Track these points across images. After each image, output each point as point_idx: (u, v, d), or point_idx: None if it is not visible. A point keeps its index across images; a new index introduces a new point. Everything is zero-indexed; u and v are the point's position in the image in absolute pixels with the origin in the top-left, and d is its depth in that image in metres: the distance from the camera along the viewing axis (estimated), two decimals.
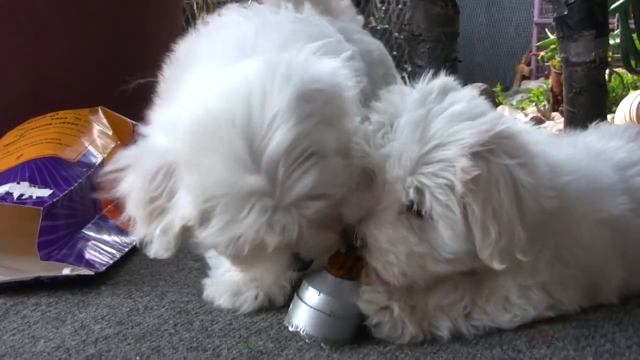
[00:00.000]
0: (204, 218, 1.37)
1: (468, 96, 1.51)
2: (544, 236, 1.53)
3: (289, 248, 1.43)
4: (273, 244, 1.35)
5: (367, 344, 1.51)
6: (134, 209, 1.49)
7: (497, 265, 1.43)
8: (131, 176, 1.48)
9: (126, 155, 1.50)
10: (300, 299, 1.53)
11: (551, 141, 1.76)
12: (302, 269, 1.51)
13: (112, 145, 2.28)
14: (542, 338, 1.53)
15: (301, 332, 1.52)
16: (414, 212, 1.45)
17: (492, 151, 1.42)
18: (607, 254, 1.62)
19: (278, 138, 1.31)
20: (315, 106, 1.38)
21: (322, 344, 1.50)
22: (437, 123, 1.44)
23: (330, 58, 1.50)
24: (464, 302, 1.52)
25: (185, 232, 1.44)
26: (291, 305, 1.56)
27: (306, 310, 1.52)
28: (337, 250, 1.51)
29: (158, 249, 1.49)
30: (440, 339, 1.51)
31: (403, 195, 1.43)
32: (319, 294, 1.50)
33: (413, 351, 1.48)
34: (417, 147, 1.42)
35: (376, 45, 2.31)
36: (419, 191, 1.42)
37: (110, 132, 2.31)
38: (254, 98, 1.34)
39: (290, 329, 1.53)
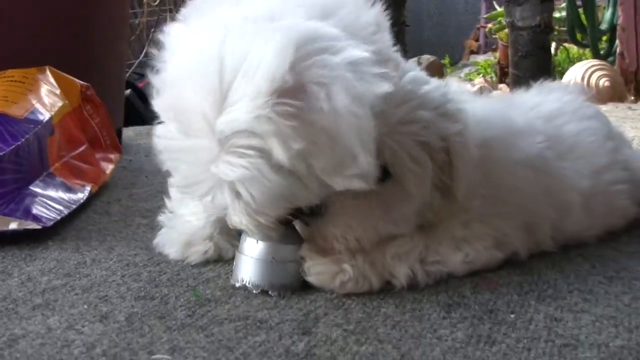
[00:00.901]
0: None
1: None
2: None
3: None
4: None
5: (314, 290, 1.53)
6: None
7: (476, 203, 1.59)
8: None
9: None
10: (241, 252, 1.55)
11: (481, 100, 1.82)
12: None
13: (60, 104, 2.27)
14: (487, 284, 1.57)
15: (247, 284, 1.53)
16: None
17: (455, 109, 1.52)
18: (534, 193, 1.67)
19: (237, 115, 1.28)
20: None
21: (269, 291, 1.51)
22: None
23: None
24: (419, 248, 1.55)
25: None
26: (234, 263, 1.58)
27: (248, 261, 1.53)
28: None
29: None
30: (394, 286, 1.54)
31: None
32: (257, 242, 1.52)
33: (360, 297, 1.51)
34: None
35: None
36: (394, 151, 1.45)
37: (58, 91, 2.30)
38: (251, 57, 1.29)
39: (237, 284, 1.55)
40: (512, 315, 1.43)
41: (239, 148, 1.28)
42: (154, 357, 1.26)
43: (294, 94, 1.26)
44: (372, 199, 1.48)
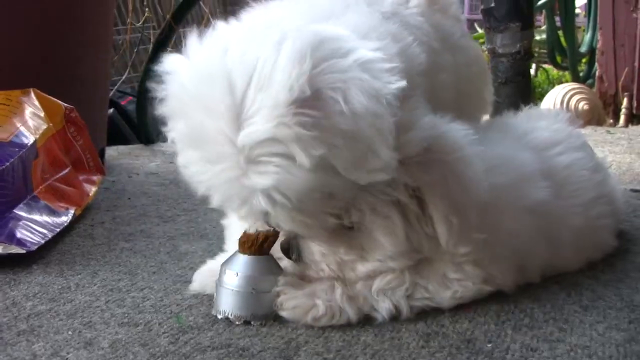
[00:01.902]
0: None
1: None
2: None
3: None
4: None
5: None
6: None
7: (463, 250, 1.55)
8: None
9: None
10: (221, 285, 1.57)
11: (479, 131, 1.82)
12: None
13: (44, 127, 2.28)
14: (465, 313, 1.60)
15: (230, 316, 1.55)
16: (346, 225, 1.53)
17: (432, 154, 1.50)
18: (531, 237, 1.68)
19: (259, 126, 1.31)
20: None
21: (252, 322, 1.54)
22: None
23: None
24: (406, 285, 1.57)
25: None
26: (215, 294, 1.60)
27: (229, 294, 1.55)
28: (244, 231, 1.56)
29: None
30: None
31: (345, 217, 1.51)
32: (237, 275, 1.54)
33: (340, 325, 1.53)
34: None
35: (475, 57, 2.12)
36: (361, 211, 1.50)
37: (42, 114, 2.31)
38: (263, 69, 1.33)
39: (219, 316, 1.56)
40: (489, 345, 1.46)
41: (264, 156, 1.31)
42: None
43: (311, 102, 1.30)
44: (344, 245, 1.55)
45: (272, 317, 1.55)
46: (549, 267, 1.77)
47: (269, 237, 1.55)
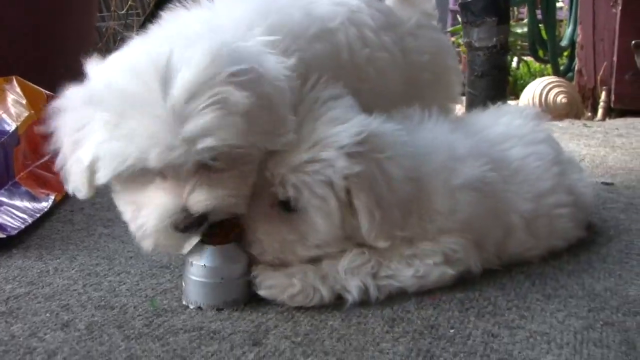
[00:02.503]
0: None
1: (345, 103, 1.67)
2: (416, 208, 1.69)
3: (179, 194, 1.50)
4: (156, 160, 1.42)
5: (265, 302, 1.61)
6: (62, 138, 1.57)
7: (382, 244, 1.63)
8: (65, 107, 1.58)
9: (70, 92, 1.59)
10: (189, 276, 1.61)
11: (428, 128, 1.88)
12: (189, 226, 1.52)
13: (26, 114, 2.32)
14: (430, 300, 1.65)
15: (202, 306, 1.60)
16: (283, 205, 1.61)
17: (365, 149, 1.59)
18: (477, 213, 1.74)
19: (185, 77, 1.43)
20: (237, 76, 1.46)
21: (223, 309, 1.59)
22: (319, 127, 1.60)
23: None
24: (371, 263, 1.63)
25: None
26: (183, 285, 1.64)
27: (198, 285, 1.60)
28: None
29: (75, 185, 1.56)
30: (346, 300, 1.62)
31: (280, 192, 1.58)
32: (204, 266, 1.59)
33: (309, 310, 1.59)
34: (301, 148, 1.58)
35: (431, 46, 2.20)
36: (297, 188, 1.57)
37: (24, 101, 2.35)
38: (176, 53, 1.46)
39: (191, 306, 1.61)
40: (452, 331, 1.52)
41: (201, 103, 1.42)
42: None
43: (236, 63, 1.48)
44: (285, 226, 1.62)
45: (243, 302, 1.61)
46: (505, 251, 1.83)
47: (232, 226, 1.60)
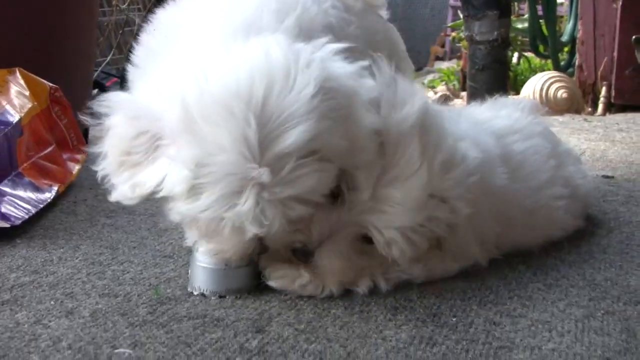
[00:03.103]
0: (193, 192, 1.38)
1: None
2: None
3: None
4: (252, 233, 1.39)
5: (269, 291, 1.62)
6: (109, 149, 1.49)
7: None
8: (115, 122, 1.48)
9: (113, 100, 1.50)
10: (195, 262, 1.63)
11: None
12: (261, 253, 1.58)
13: (29, 106, 2.33)
14: (432, 289, 1.66)
15: (205, 292, 1.61)
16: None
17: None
18: (485, 217, 1.74)
19: (293, 136, 1.33)
20: (331, 106, 1.39)
21: (226, 296, 1.60)
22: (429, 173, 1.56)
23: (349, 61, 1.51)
24: (382, 260, 1.63)
25: (165, 200, 1.46)
26: (189, 272, 1.66)
27: (202, 271, 1.61)
28: None
29: (120, 197, 1.50)
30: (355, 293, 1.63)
31: (382, 248, 1.55)
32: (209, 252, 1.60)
33: (312, 298, 1.60)
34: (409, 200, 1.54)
35: (384, 27, 2.24)
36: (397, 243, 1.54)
37: (27, 93, 2.36)
38: (276, 82, 1.36)
39: (195, 292, 1.62)
40: (454, 319, 1.53)
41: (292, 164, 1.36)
42: (116, 351, 1.35)
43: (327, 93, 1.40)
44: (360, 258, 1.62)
45: (246, 290, 1.62)
46: (505, 241, 1.84)
47: None
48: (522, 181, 1.85)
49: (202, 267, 1.61)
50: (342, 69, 1.47)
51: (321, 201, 1.44)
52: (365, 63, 1.54)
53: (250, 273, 1.63)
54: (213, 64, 1.41)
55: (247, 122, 1.32)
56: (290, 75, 1.36)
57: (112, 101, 1.49)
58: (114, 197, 1.52)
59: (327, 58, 1.46)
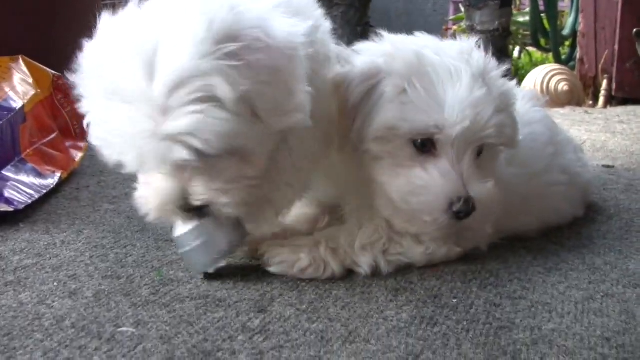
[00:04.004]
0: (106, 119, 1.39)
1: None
2: None
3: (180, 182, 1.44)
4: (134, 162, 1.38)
5: (270, 273, 1.64)
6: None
7: None
8: None
9: None
10: (184, 249, 1.62)
11: None
12: (189, 212, 1.49)
13: (32, 93, 2.35)
14: (433, 272, 1.67)
15: (202, 273, 1.63)
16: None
17: None
18: None
19: (169, 66, 1.30)
20: (233, 57, 1.32)
21: (223, 268, 1.65)
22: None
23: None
24: (384, 240, 1.66)
25: None
26: (185, 261, 1.68)
27: (184, 256, 1.63)
28: None
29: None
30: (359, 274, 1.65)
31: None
32: (178, 237, 1.62)
33: (314, 280, 1.61)
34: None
35: None
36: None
37: (30, 80, 2.38)
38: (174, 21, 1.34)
39: (200, 277, 1.63)
40: (455, 300, 1.54)
41: (186, 96, 1.30)
42: (119, 329, 1.36)
43: (233, 38, 1.32)
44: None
45: (238, 245, 1.64)
46: (503, 227, 1.84)
47: None
48: (519, 167, 1.86)
49: (182, 252, 1.62)
50: (280, 24, 1.42)
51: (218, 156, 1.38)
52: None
53: (230, 231, 1.59)
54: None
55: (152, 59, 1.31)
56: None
57: None
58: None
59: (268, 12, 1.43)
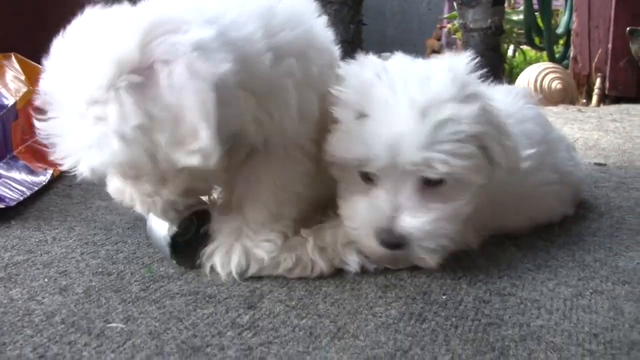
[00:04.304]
0: None
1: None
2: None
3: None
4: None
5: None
6: None
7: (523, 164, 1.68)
8: None
9: None
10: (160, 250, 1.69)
11: None
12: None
13: (24, 90, 2.35)
14: (423, 270, 1.67)
15: (177, 266, 1.67)
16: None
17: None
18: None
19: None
20: None
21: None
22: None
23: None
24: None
25: None
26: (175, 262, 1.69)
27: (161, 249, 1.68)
28: None
29: None
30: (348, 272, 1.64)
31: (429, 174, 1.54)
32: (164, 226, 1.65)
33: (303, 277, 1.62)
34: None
35: None
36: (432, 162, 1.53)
37: (22, 77, 2.38)
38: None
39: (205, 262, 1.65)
40: (444, 297, 1.54)
41: (91, 118, 1.31)
42: (109, 325, 1.36)
43: (140, 71, 1.31)
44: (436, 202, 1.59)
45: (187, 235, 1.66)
46: (492, 224, 1.85)
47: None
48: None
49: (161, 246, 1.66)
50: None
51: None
52: None
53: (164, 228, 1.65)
54: None
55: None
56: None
57: None
58: None
59: None
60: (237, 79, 1.38)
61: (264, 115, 1.49)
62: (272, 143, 1.56)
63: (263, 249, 1.61)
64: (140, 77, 1.29)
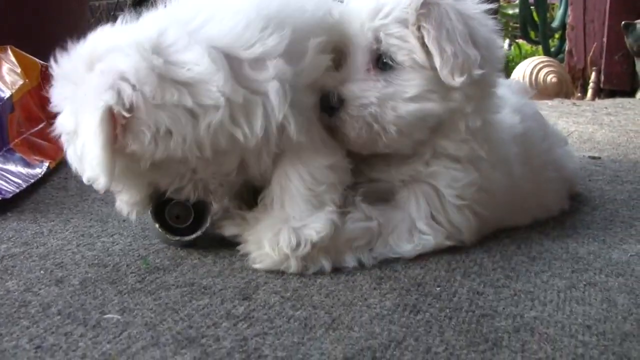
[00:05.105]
0: None
1: None
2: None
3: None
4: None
5: None
6: None
7: (458, 79, 1.61)
8: None
9: None
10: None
11: None
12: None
13: (20, 83, 2.35)
14: (418, 261, 1.68)
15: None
16: (380, 66, 1.65)
17: None
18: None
19: None
20: None
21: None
22: None
23: None
24: (368, 238, 1.66)
25: None
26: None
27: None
28: None
29: None
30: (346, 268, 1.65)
31: (366, 41, 1.65)
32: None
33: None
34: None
35: None
36: (377, 38, 1.63)
37: (18, 70, 2.38)
38: None
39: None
40: (438, 289, 1.55)
41: None
42: (105, 316, 1.37)
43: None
44: (381, 82, 1.67)
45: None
46: (501, 225, 1.87)
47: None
48: (523, 165, 1.86)
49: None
50: None
51: None
52: None
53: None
54: None
55: None
56: None
57: None
58: None
59: None
60: None
61: None
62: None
63: (313, 229, 1.62)
64: None
